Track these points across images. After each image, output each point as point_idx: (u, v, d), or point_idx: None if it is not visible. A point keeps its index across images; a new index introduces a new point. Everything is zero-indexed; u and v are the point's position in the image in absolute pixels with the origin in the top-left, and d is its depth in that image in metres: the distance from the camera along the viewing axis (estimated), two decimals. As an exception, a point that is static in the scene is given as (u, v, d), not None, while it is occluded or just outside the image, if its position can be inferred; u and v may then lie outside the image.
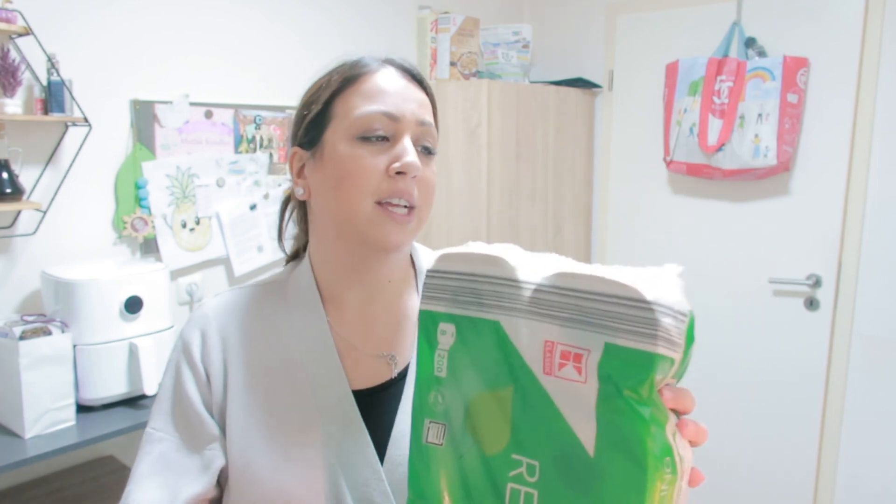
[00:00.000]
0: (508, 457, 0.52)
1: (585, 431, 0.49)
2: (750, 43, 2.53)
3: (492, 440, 0.53)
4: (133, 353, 1.71)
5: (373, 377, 0.78)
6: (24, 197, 1.74)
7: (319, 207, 0.78)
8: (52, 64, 1.74)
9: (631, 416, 0.48)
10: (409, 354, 0.80)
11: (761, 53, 2.50)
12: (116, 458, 1.93)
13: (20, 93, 1.72)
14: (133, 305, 1.71)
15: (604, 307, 0.49)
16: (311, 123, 0.77)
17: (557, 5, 3.08)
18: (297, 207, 0.87)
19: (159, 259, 2.06)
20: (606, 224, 3.03)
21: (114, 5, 1.92)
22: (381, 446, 0.74)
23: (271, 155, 2.35)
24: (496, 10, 3.06)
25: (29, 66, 1.76)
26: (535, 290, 0.52)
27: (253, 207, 2.30)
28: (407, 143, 0.73)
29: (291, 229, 0.90)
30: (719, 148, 2.48)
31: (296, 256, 0.88)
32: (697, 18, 2.68)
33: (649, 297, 0.48)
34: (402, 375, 0.78)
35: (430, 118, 0.77)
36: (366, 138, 0.72)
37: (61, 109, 1.76)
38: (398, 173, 0.72)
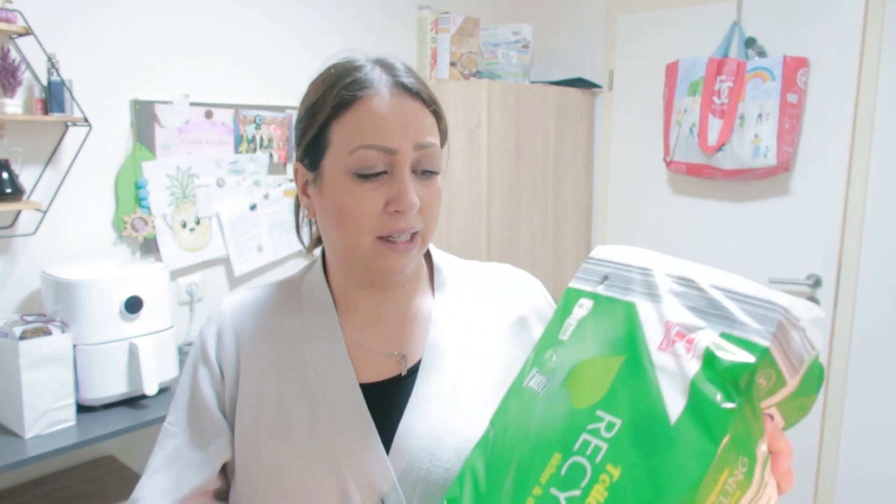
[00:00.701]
0: (593, 412, 0.55)
1: (674, 403, 0.51)
2: (750, 43, 2.53)
3: (584, 396, 0.56)
4: (133, 353, 1.71)
5: (381, 373, 0.79)
6: (24, 197, 1.74)
7: (324, 231, 0.79)
8: (52, 64, 1.74)
9: (721, 399, 0.49)
10: (418, 353, 0.80)
11: (761, 53, 2.50)
12: (116, 458, 1.93)
13: (20, 93, 1.72)
14: (133, 305, 1.71)
15: (735, 304, 0.53)
16: (310, 146, 0.76)
17: (557, 5, 3.08)
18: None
19: (159, 259, 2.06)
20: (606, 224, 3.03)
21: (114, 5, 1.92)
22: (387, 438, 0.75)
23: (271, 155, 2.35)
24: (496, 10, 3.06)
25: (29, 66, 1.76)
26: (678, 282, 0.57)
27: (253, 207, 2.30)
28: (405, 178, 0.71)
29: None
30: (719, 148, 2.48)
31: (319, 242, 0.90)
32: (697, 18, 2.68)
33: (782, 302, 0.51)
34: (412, 372, 0.79)
35: (430, 138, 0.73)
36: (363, 175, 0.71)
37: (61, 109, 1.76)
38: (397, 211, 0.71)
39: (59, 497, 1.71)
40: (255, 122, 2.28)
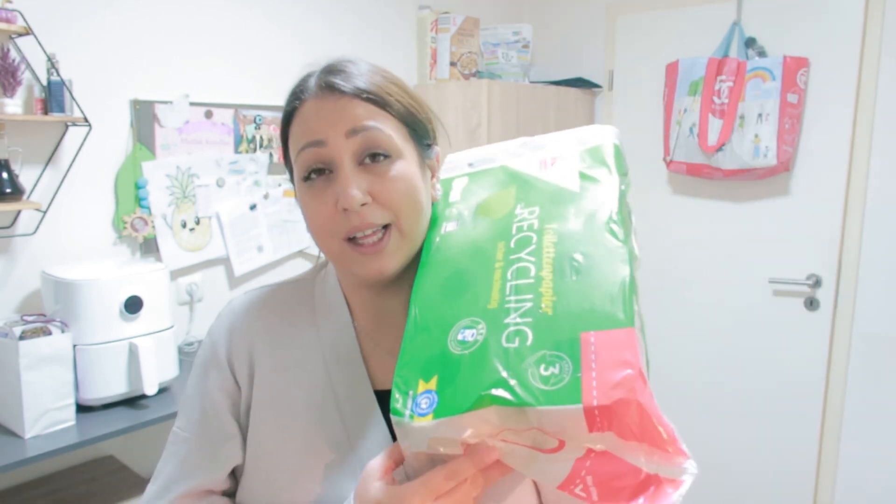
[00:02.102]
0: (513, 212, 0.71)
1: (571, 185, 0.71)
2: (750, 43, 2.53)
3: (499, 210, 0.72)
4: (133, 353, 1.70)
5: None
6: (24, 197, 1.74)
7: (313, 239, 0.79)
8: (52, 64, 1.74)
9: (603, 165, 0.73)
10: None
11: (761, 53, 2.50)
12: (116, 457, 1.93)
13: (20, 93, 1.72)
14: (133, 305, 1.71)
15: (564, 142, 0.78)
16: (286, 164, 0.78)
17: (557, 5, 3.08)
18: None
19: (159, 259, 2.06)
20: (606, 224, 3.03)
21: (114, 5, 1.92)
22: None
23: (271, 155, 2.35)
24: (496, 10, 3.06)
25: (29, 66, 1.76)
26: (518, 146, 0.80)
27: (253, 207, 2.30)
28: (342, 173, 0.69)
29: None
30: (719, 148, 2.48)
31: None
32: (697, 18, 2.68)
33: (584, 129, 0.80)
34: None
35: (363, 121, 0.69)
36: (307, 178, 0.71)
37: (61, 109, 1.76)
38: (345, 209, 0.69)
39: (59, 497, 1.71)
40: (255, 122, 2.28)
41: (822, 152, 2.45)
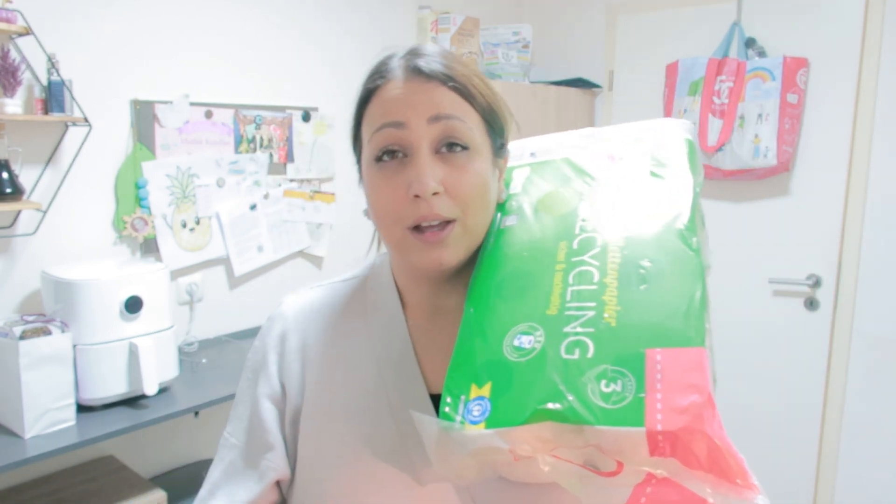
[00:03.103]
0: (577, 210, 0.68)
1: (640, 184, 0.68)
2: (750, 43, 2.53)
3: (562, 206, 0.69)
4: (133, 353, 1.70)
5: None
6: (24, 197, 1.74)
7: (374, 224, 0.74)
8: (52, 64, 1.74)
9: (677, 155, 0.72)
10: None
11: (761, 53, 2.50)
12: (116, 458, 1.93)
13: (20, 93, 1.72)
14: (133, 305, 1.71)
15: (638, 131, 0.76)
16: (354, 146, 0.75)
17: (557, 5, 3.08)
18: None
19: (159, 259, 2.06)
20: (606, 224, 3.03)
21: (114, 5, 1.92)
22: None
23: (271, 155, 2.35)
24: (496, 10, 3.06)
25: (29, 66, 1.76)
26: (583, 138, 0.77)
27: (253, 207, 2.30)
28: (420, 158, 0.66)
29: None
30: (719, 148, 2.48)
31: None
32: (697, 18, 2.68)
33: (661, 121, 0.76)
34: None
35: (447, 110, 0.67)
36: (379, 159, 0.68)
37: (61, 109, 1.76)
38: (416, 196, 0.65)
39: (59, 497, 1.71)
40: (255, 122, 2.28)
41: (822, 152, 2.45)
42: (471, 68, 0.72)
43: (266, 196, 2.34)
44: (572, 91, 2.88)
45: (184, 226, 2.12)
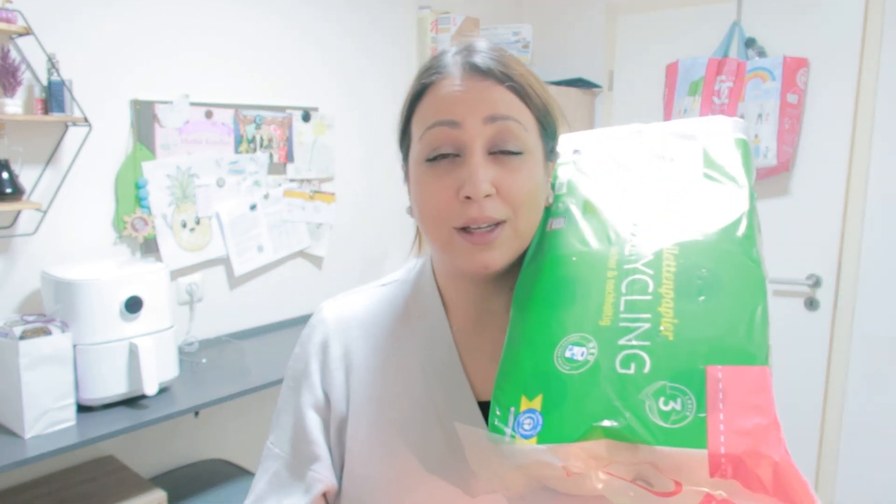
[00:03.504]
0: (627, 213, 0.65)
1: (694, 186, 0.65)
2: (750, 43, 2.53)
3: (611, 209, 0.66)
4: (133, 353, 1.70)
5: None
6: (24, 197, 1.74)
7: (419, 224, 0.72)
8: (52, 64, 1.74)
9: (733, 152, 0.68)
10: None
11: (761, 53, 2.50)
12: (116, 458, 1.93)
13: (20, 93, 1.72)
14: (133, 305, 1.71)
15: (686, 127, 0.72)
16: (401, 142, 0.73)
17: (557, 5, 3.08)
18: None
19: (159, 259, 2.06)
20: (606, 224, 3.03)
21: (114, 5, 1.92)
22: None
23: (271, 155, 2.35)
24: (496, 10, 3.06)
25: (29, 66, 1.76)
26: (636, 132, 0.73)
27: (253, 207, 2.30)
28: (474, 159, 0.64)
29: None
30: (719, 148, 2.48)
31: None
32: (697, 18, 2.68)
33: (711, 118, 0.72)
34: None
35: (504, 111, 0.65)
36: (431, 159, 0.66)
37: (61, 109, 1.76)
38: (467, 197, 0.63)
39: (59, 497, 1.71)
40: (255, 122, 2.28)
41: (822, 152, 2.45)
42: (526, 68, 0.70)
43: (266, 196, 2.34)
44: (572, 91, 2.88)
45: (184, 226, 2.12)
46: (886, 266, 2.37)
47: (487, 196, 0.63)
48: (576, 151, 0.75)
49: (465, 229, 0.65)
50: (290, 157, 2.40)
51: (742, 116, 2.44)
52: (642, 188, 0.66)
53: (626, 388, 0.52)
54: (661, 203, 0.64)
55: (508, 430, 0.55)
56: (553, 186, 0.72)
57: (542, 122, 0.69)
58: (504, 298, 0.71)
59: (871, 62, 2.34)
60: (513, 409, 0.56)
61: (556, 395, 0.54)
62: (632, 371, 0.52)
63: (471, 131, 0.64)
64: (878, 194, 2.37)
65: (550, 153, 0.71)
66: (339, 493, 0.74)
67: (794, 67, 2.38)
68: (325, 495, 0.74)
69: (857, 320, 2.44)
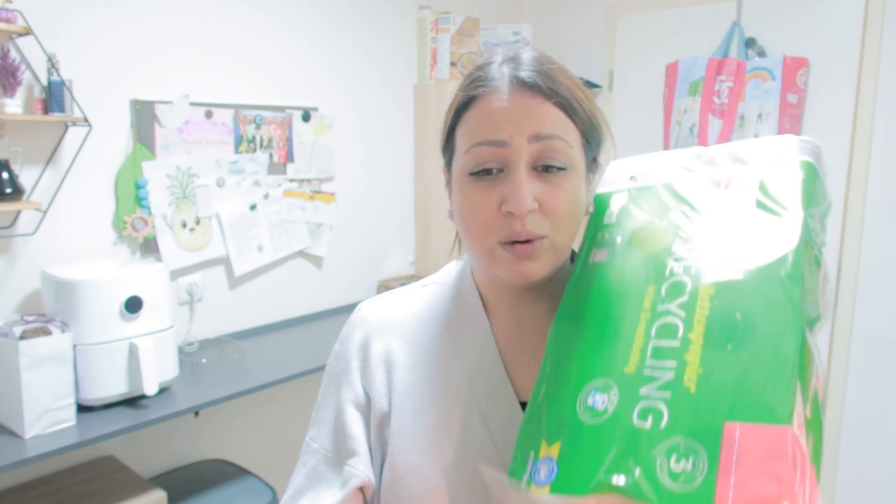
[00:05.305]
0: (669, 249, 0.61)
1: (743, 218, 0.60)
2: (750, 43, 2.53)
3: (655, 243, 0.62)
4: (133, 353, 1.71)
5: None
6: (24, 197, 1.74)
7: (460, 232, 0.73)
8: (52, 64, 1.74)
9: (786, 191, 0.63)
10: None
11: (761, 53, 2.50)
12: (116, 458, 1.93)
13: (20, 93, 1.72)
14: (133, 305, 1.71)
15: (748, 151, 0.66)
16: (444, 149, 0.73)
17: (557, 5, 3.08)
18: None
19: (159, 259, 2.06)
20: (606, 224, 3.03)
21: (114, 5, 1.92)
22: None
23: (271, 155, 2.35)
24: (496, 10, 3.06)
25: (29, 66, 1.76)
26: (694, 157, 0.68)
27: (253, 207, 2.30)
28: (518, 175, 0.64)
29: None
30: (719, 148, 2.48)
31: None
32: (697, 18, 2.68)
33: (782, 137, 0.68)
34: None
35: (550, 129, 0.65)
36: (475, 174, 0.67)
37: (61, 109, 1.76)
38: (510, 213, 0.65)
39: (59, 497, 1.71)
40: (255, 122, 2.28)
41: (821, 152, 2.45)
42: (574, 80, 0.70)
43: (266, 196, 2.34)
44: (572, 91, 2.88)
45: (184, 226, 2.12)
46: (886, 267, 2.37)
47: (530, 212, 0.65)
48: (632, 178, 0.72)
49: (505, 243, 0.66)
50: (290, 157, 2.40)
51: (742, 116, 2.44)
52: (692, 220, 0.63)
53: (641, 443, 0.50)
54: (709, 236, 0.60)
55: (525, 476, 0.56)
56: (603, 214, 0.71)
57: (586, 136, 0.70)
58: (543, 303, 0.74)
59: (870, 62, 2.34)
60: (532, 453, 0.57)
61: (573, 445, 0.54)
62: (648, 425, 0.51)
63: (516, 149, 0.65)
64: (877, 194, 2.37)
65: (592, 163, 0.72)
66: (378, 488, 0.75)
67: (794, 67, 2.38)
68: (362, 490, 0.75)
69: (857, 321, 2.44)
